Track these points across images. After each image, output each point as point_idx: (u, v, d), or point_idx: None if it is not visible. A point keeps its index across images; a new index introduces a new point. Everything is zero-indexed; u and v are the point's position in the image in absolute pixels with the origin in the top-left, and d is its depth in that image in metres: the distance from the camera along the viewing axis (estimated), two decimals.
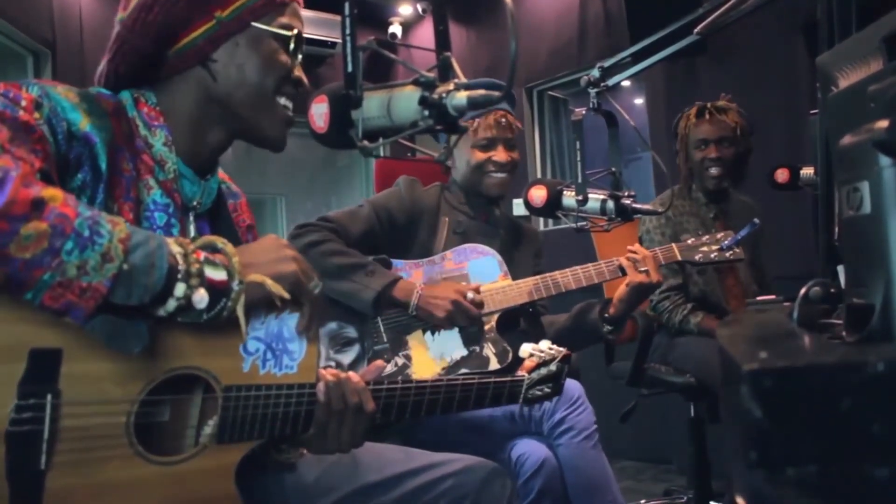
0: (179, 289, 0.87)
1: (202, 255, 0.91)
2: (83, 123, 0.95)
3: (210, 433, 0.96)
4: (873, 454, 0.49)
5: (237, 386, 0.97)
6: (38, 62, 3.83)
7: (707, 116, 2.57)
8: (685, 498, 3.02)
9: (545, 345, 1.46)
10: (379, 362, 1.19)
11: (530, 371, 1.37)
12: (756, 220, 2.12)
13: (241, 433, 0.98)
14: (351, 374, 1.09)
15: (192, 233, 1.10)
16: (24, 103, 0.91)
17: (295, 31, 1.11)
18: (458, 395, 1.22)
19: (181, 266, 0.88)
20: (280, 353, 1.01)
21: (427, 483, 1.17)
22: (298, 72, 1.14)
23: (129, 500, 0.90)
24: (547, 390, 1.38)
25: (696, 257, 2.01)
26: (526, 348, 1.46)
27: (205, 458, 0.96)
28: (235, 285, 0.92)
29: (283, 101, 1.12)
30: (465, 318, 1.82)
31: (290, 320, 1.02)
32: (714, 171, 2.55)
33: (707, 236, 2.06)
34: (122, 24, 1.04)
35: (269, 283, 0.96)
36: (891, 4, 0.73)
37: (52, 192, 0.82)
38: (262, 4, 1.07)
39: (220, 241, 0.95)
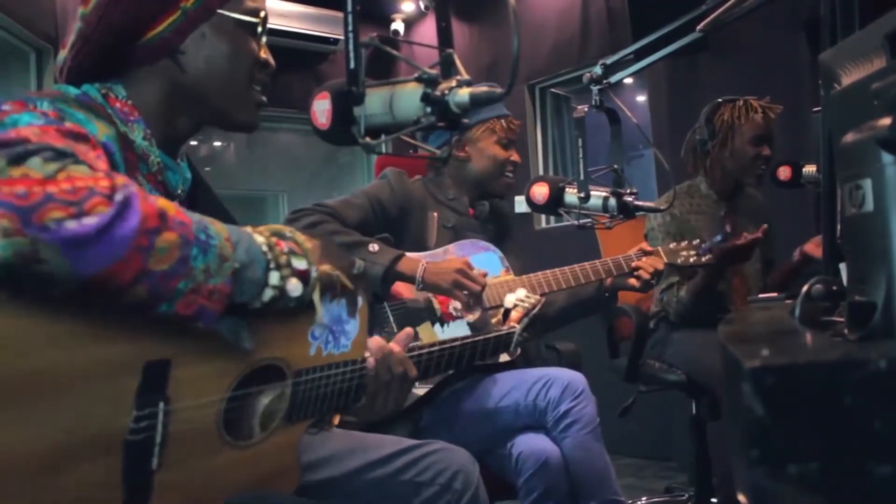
0: (274, 277, 0.89)
1: (284, 245, 0.93)
2: (100, 134, 0.94)
3: (281, 415, 1.01)
4: (875, 452, 0.49)
5: (305, 369, 1.03)
6: (40, 58, 3.82)
7: (761, 111, 2.48)
8: (686, 495, 3.03)
9: (522, 293, 1.68)
10: (408, 330, 1.25)
11: (518, 321, 1.59)
12: (728, 229, 2.22)
13: (306, 412, 1.05)
14: (392, 345, 1.17)
15: None
16: (52, 116, 0.87)
17: (262, 16, 1.10)
18: (466, 351, 1.42)
19: (270, 256, 0.90)
20: (339, 334, 1.07)
21: (392, 471, 1.20)
22: (265, 54, 1.13)
23: (216, 483, 0.95)
24: (526, 335, 1.60)
25: (678, 261, 2.16)
26: (510, 298, 1.67)
27: (275, 438, 1.02)
28: (314, 272, 0.95)
29: (255, 87, 1.12)
30: (470, 287, 1.82)
31: (344, 302, 1.09)
32: (763, 168, 2.49)
33: (685, 242, 2.22)
34: (85, 21, 1.01)
35: (340, 273, 1.01)
36: (893, 2, 0.73)
37: (163, 201, 0.82)
38: None
39: (287, 230, 0.97)
